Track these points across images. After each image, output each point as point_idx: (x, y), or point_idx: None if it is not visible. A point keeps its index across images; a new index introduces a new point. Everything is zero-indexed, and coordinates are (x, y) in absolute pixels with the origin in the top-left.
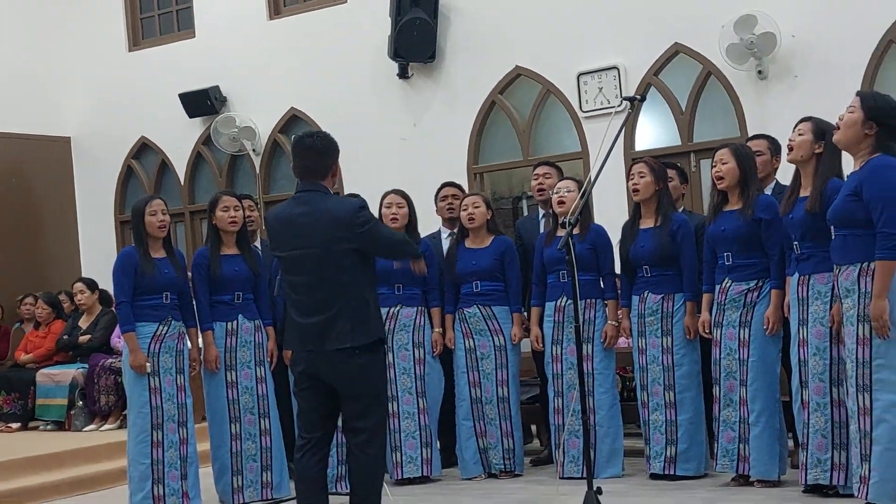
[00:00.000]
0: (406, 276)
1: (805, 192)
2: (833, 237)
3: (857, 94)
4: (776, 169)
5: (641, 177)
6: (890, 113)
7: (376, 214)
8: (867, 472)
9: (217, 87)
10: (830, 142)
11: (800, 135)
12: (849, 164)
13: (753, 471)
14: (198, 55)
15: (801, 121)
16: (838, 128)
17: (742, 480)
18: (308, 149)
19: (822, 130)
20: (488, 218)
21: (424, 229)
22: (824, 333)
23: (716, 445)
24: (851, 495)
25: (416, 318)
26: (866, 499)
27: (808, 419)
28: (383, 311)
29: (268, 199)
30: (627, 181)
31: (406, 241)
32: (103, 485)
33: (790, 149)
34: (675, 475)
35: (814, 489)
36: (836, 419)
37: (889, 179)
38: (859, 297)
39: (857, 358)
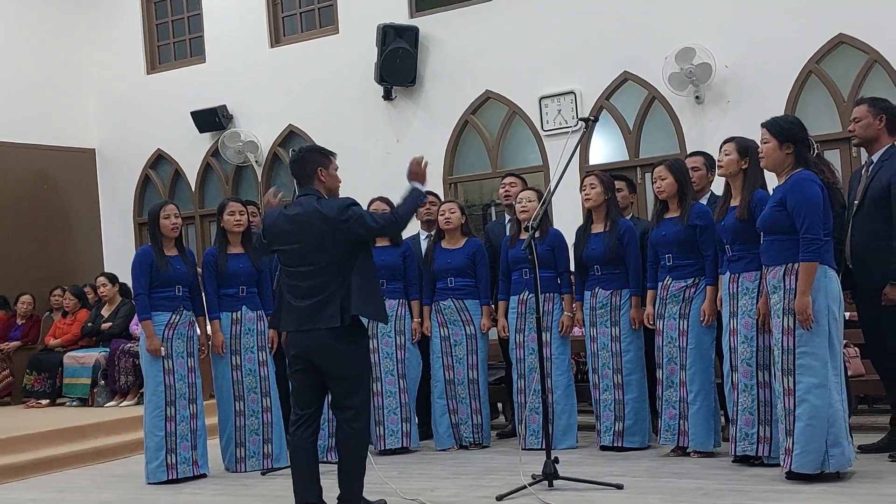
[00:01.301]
0: (389, 272)
1: (735, 202)
2: (762, 242)
3: (762, 125)
4: (711, 182)
5: (592, 188)
6: (796, 130)
7: None
8: (791, 445)
9: (224, 106)
10: (754, 158)
11: (726, 154)
12: (771, 175)
13: (691, 443)
14: (207, 78)
15: (726, 141)
16: (762, 158)
17: (681, 451)
18: (291, 164)
19: (745, 148)
20: (462, 222)
21: (405, 231)
22: (751, 324)
23: (659, 421)
24: (774, 465)
25: (397, 309)
26: (790, 468)
27: (737, 399)
28: None
29: None
30: (581, 191)
31: (392, 217)
32: (122, 454)
33: (719, 166)
34: (622, 447)
35: (742, 459)
36: (761, 399)
37: (808, 192)
38: (784, 293)
39: (782, 346)
